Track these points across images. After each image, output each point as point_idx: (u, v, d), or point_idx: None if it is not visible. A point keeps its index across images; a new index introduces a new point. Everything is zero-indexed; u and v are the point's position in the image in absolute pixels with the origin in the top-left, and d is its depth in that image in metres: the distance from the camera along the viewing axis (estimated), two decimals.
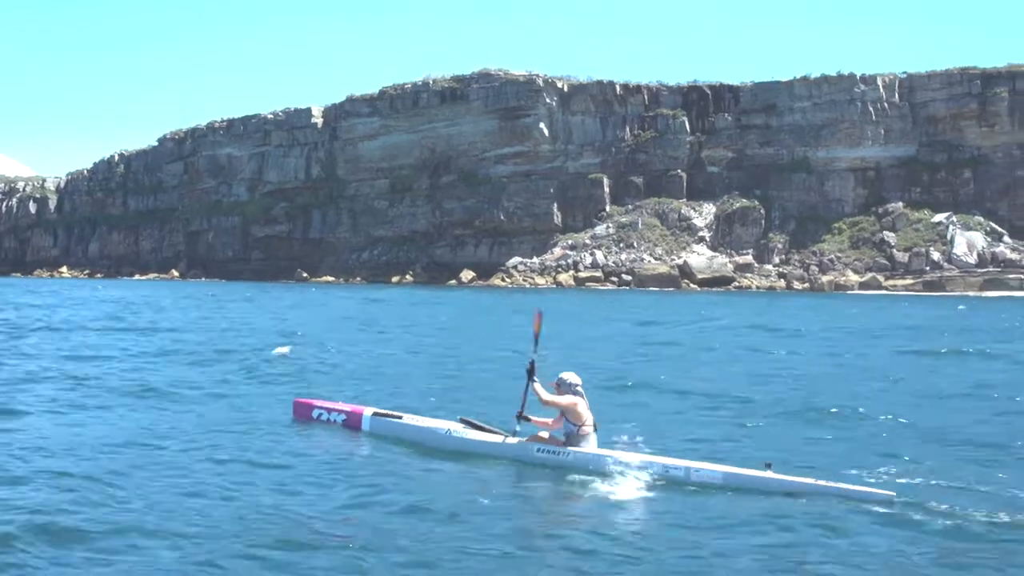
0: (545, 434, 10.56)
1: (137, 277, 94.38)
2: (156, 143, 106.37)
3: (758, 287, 72.36)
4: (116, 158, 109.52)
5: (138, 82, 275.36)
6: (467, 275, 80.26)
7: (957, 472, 9.84)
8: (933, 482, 9.51)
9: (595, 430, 10.34)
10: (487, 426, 11.09)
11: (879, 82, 79.80)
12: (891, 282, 71.24)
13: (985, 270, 70.49)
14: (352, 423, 11.72)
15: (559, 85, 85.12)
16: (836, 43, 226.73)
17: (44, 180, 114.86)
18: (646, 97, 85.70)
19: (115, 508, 7.73)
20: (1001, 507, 8.56)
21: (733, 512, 8.50)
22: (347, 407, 12.08)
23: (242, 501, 8.08)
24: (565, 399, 10.32)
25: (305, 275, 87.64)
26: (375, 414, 11.69)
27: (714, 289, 71.00)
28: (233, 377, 16.01)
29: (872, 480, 9.51)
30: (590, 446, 10.30)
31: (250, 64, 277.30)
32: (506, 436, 10.79)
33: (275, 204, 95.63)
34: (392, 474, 9.61)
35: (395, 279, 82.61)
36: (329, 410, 12.06)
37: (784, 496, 9.08)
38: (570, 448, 10.25)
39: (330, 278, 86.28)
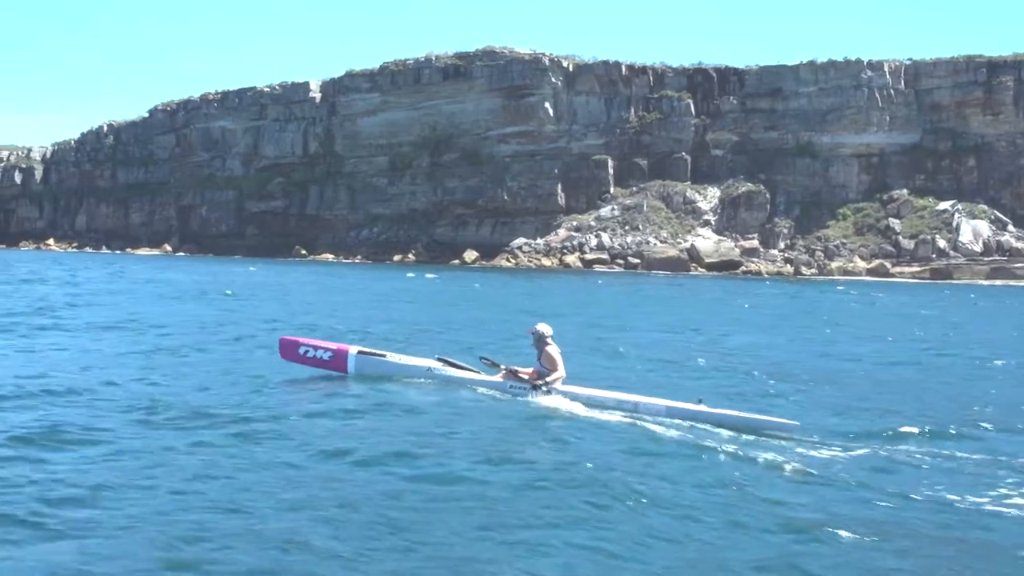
0: (520, 371, 12.50)
1: (129, 251, 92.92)
2: (147, 114, 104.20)
3: (767, 272, 72.38)
4: (105, 129, 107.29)
5: (129, 51, 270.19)
6: (471, 255, 79.71)
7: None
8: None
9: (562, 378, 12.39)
10: (462, 364, 12.88)
11: (885, 68, 79.84)
12: (898, 268, 71.57)
13: (991, 259, 70.99)
14: (338, 360, 12.83)
15: (564, 64, 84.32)
16: (841, 28, 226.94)
17: (30, 150, 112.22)
18: (651, 79, 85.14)
19: None
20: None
21: (670, 438, 10.74)
22: (332, 345, 13.12)
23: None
24: (546, 358, 12.28)
25: (303, 252, 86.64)
26: (360, 352, 12.94)
27: (723, 273, 70.92)
28: None
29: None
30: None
31: (245, 35, 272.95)
32: (480, 372, 12.68)
33: (271, 179, 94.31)
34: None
35: (397, 258, 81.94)
36: (316, 347, 12.99)
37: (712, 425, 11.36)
38: (540, 384, 12.11)
39: (329, 256, 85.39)
